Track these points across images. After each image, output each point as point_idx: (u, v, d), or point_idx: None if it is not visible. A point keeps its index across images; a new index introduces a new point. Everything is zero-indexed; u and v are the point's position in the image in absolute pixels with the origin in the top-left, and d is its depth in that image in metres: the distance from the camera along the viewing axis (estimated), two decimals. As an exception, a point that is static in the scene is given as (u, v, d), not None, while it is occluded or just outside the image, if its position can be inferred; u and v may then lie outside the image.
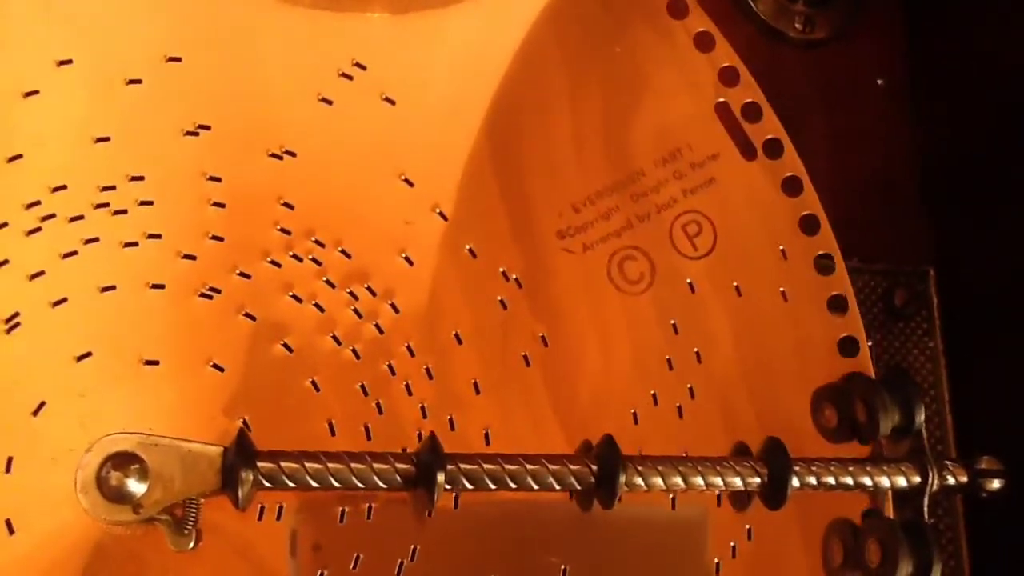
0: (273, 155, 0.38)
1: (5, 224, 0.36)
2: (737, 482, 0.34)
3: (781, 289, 0.40)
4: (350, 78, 0.39)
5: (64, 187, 0.37)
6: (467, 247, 0.39)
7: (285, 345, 0.37)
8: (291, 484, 0.32)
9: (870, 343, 0.41)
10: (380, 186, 0.39)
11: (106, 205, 0.37)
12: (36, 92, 0.37)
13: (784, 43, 0.53)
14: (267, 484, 0.32)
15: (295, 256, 0.38)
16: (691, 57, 0.41)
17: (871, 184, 0.53)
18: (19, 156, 0.37)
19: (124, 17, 0.38)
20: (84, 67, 0.38)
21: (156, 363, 0.36)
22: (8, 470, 0.34)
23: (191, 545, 0.34)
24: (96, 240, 0.37)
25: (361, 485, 0.32)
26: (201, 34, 0.39)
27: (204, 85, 0.38)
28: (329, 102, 0.39)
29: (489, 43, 0.41)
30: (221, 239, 0.37)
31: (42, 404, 0.35)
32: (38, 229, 0.36)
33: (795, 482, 0.34)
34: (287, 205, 0.38)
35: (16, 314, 0.36)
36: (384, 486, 0.32)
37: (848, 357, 0.40)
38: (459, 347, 0.38)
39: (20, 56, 0.37)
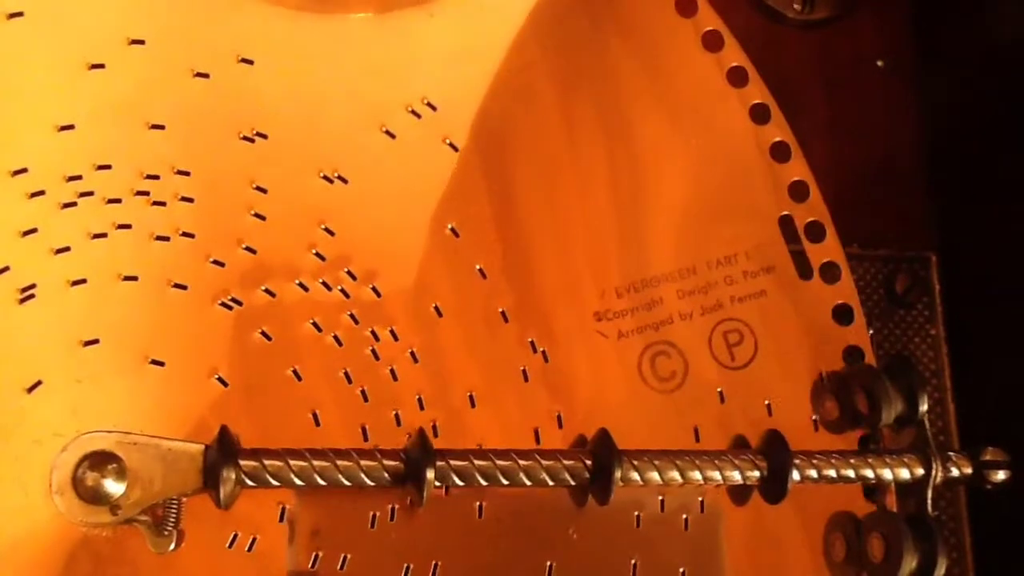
0: (325, 177, 0.37)
1: (42, 192, 0.35)
2: (736, 476, 0.33)
3: (814, 418, 0.38)
4: (418, 116, 0.38)
5: (108, 167, 0.36)
6: (500, 309, 0.38)
7: (295, 372, 0.36)
8: (275, 482, 0.30)
9: (871, 331, 0.40)
10: (426, 231, 0.38)
11: (146, 193, 0.36)
12: (102, 66, 0.36)
13: (783, 23, 0.52)
14: (250, 483, 0.30)
15: (324, 283, 0.37)
16: (767, 169, 0.40)
17: (872, 168, 0.52)
18: (71, 127, 0.36)
19: (204, 9, 0.37)
20: (155, 51, 0.37)
21: (161, 364, 0.35)
22: (-11, 442, 0.33)
23: (172, 547, 0.33)
24: (128, 227, 0.36)
25: (347, 483, 0.31)
26: (278, 42, 0.38)
27: (270, 93, 0.38)
28: (392, 136, 0.38)
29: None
30: (254, 251, 0.36)
31: (38, 383, 0.34)
32: (74, 204, 0.35)
33: (795, 475, 0.33)
34: (328, 231, 0.37)
35: (33, 285, 0.35)
36: (372, 483, 0.31)
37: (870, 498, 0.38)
38: (472, 410, 0.37)
39: (94, 26, 0.37)
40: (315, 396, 0.36)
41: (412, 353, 0.37)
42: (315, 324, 0.36)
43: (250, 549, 0.34)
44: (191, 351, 0.35)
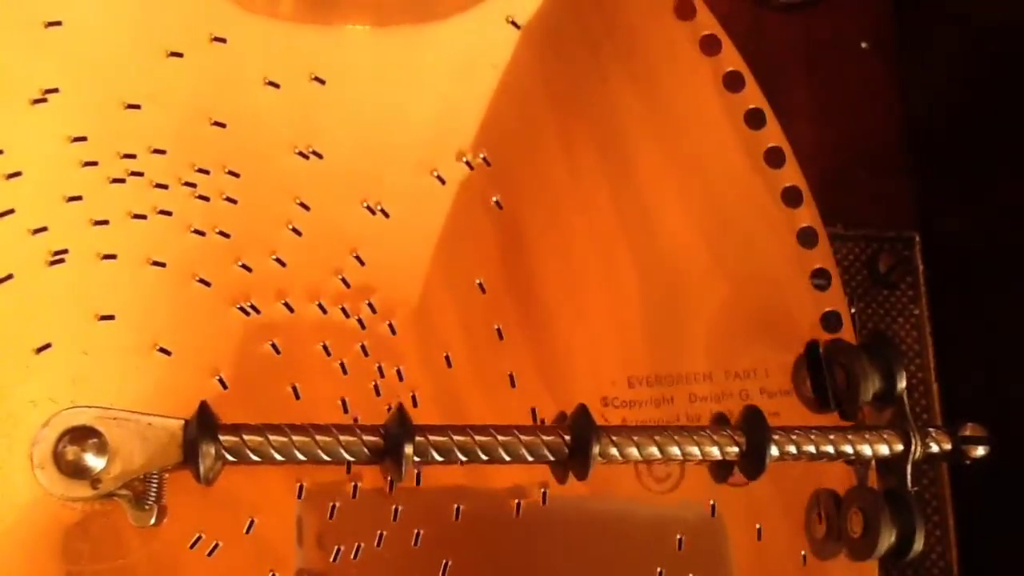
0: (367, 207, 0.38)
1: (95, 163, 0.36)
2: (715, 451, 0.33)
3: (803, 553, 0.37)
4: (471, 167, 0.38)
5: (163, 152, 0.36)
6: (510, 372, 0.37)
7: (294, 388, 0.36)
8: (255, 458, 0.31)
9: (853, 311, 0.40)
10: (455, 282, 0.38)
11: (193, 186, 0.37)
12: (180, 55, 0.37)
13: (766, 5, 0.52)
14: (230, 458, 0.31)
15: (344, 310, 0.37)
16: (807, 295, 0.39)
17: (855, 148, 0.52)
18: (137, 106, 0.37)
19: (291, 22, 0.38)
20: (233, 52, 0.38)
21: (168, 353, 0.35)
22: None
23: (152, 521, 0.33)
24: (169, 214, 0.36)
25: (327, 458, 0.31)
26: (354, 64, 0.38)
27: (335, 115, 0.38)
28: (442, 181, 0.38)
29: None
30: (283, 264, 0.37)
31: (48, 345, 0.35)
32: (122, 180, 0.36)
33: (774, 451, 0.33)
34: (358, 259, 0.37)
35: (65, 251, 0.35)
36: (351, 459, 0.31)
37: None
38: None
39: (181, 16, 0.38)
40: (309, 417, 0.35)
41: (413, 396, 0.37)
42: (325, 347, 0.36)
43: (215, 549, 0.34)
44: (199, 347, 0.36)
